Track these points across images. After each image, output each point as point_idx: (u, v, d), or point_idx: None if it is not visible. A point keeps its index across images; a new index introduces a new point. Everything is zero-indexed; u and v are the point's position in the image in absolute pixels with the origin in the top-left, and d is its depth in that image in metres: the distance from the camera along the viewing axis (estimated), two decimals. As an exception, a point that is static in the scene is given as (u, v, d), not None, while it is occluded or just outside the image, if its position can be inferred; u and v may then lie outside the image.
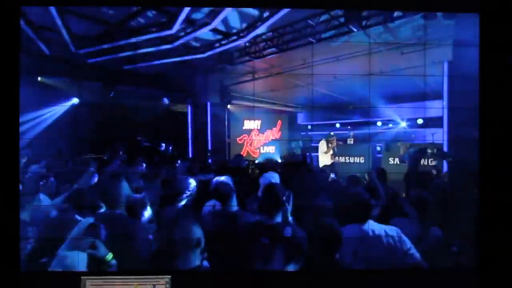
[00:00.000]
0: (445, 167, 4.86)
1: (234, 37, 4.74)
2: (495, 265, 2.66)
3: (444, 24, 4.23)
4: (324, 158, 6.56)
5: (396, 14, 3.88)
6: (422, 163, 5.34)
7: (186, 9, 3.77)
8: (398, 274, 2.62)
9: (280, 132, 10.18)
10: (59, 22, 4.07)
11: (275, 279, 2.48)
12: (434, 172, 4.28)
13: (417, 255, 2.57)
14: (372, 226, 2.61)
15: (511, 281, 2.68)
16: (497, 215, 2.72)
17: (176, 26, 4.12)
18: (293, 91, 8.61)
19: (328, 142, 6.64)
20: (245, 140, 9.60)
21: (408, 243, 2.57)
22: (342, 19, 4.14)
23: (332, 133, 7.19)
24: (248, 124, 9.62)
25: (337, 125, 10.00)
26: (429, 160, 5.83)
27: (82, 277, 2.35)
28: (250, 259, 2.34)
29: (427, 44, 4.72)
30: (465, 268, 2.81)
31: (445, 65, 4.53)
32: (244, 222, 2.75)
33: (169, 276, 2.44)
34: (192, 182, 3.27)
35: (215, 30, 4.72)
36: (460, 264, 2.84)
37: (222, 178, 3.11)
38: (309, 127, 10.82)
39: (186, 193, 3.21)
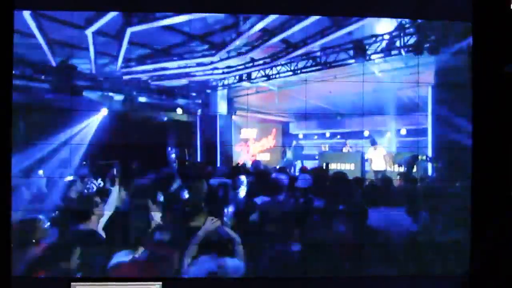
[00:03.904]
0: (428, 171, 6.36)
1: (259, 63, 6.10)
2: (485, 271, 2.86)
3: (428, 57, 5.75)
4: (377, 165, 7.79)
5: (393, 52, 5.37)
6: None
7: (235, 42, 5.08)
8: (394, 279, 3.47)
9: (274, 141, 11.50)
10: (121, 48, 5.27)
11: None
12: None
13: (415, 228, 4.02)
14: (386, 209, 4.02)
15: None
16: (488, 217, 2.94)
17: (220, 55, 5.42)
18: (289, 103, 10.01)
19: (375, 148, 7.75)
20: (242, 148, 10.86)
21: (410, 220, 4.01)
22: (351, 52, 5.61)
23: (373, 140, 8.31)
24: (245, 133, 10.87)
25: (327, 134, 11.46)
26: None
27: (72, 283, 2.57)
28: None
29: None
30: (456, 274, 3.30)
31: (430, 89, 6.07)
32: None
33: (160, 283, 2.65)
34: (244, 180, 4.61)
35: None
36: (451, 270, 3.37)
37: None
38: (300, 135, 12.20)
39: (240, 188, 4.54)
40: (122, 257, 2.84)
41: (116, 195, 4.12)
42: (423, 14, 3.60)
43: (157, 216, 3.93)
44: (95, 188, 4.25)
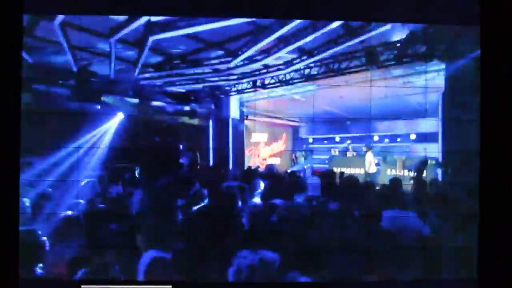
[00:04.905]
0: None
1: (274, 69, 6.32)
2: (494, 276, 2.77)
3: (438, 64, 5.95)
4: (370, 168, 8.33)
5: (405, 59, 5.57)
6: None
7: (252, 49, 5.30)
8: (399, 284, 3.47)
9: (285, 145, 11.73)
10: (144, 56, 5.51)
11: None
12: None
13: (427, 230, 4.19)
14: (398, 211, 4.21)
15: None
16: (496, 222, 2.84)
17: (236, 62, 5.65)
18: (300, 107, 10.26)
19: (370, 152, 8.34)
20: (252, 152, 11.10)
21: (420, 222, 4.19)
22: (363, 59, 5.82)
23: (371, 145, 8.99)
24: (256, 137, 11.11)
25: (337, 139, 11.66)
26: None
27: (82, 286, 2.55)
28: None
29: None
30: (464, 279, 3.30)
31: (440, 95, 6.26)
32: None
33: (169, 286, 2.66)
34: (261, 183, 4.80)
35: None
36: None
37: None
38: (310, 140, 12.42)
39: (257, 190, 4.74)
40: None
41: (138, 197, 4.34)
42: (430, 18, 3.68)
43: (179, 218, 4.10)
44: (115, 191, 4.46)
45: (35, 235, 3.00)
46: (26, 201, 3.72)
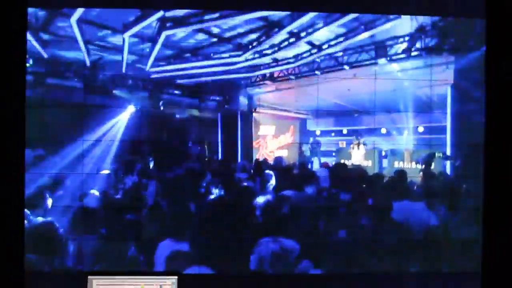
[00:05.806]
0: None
1: (283, 62, 6.41)
2: (497, 270, 2.71)
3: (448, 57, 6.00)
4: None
5: (415, 53, 5.63)
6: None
7: (262, 44, 5.38)
8: (405, 278, 3.61)
9: (292, 137, 11.79)
10: (156, 50, 5.60)
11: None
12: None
13: (434, 222, 4.28)
14: (408, 203, 4.30)
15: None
16: (500, 218, 2.78)
17: (246, 56, 5.73)
18: (307, 100, 10.32)
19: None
20: (260, 144, 11.19)
21: (429, 212, 4.29)
22: (373, 53, 5.88)
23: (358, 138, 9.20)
24: (264, 130, 11.18)
25: (344, 131, 11.72)
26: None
27: (89, 276, 2.52)
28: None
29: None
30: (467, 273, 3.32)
31: (449, 88, 6.30)
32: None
33: (176, 277, 2.62)
34: (273, 175, 4.91)
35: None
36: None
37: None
38: (318, 132, 12.47)
39: (269, 182, 4.85)
40: (169, 246, 3.11)
41: (153, 188, 4.46)
42: (436, 10, 3.70)
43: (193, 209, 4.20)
44: (130, 181, 4.59)
45: (53, 227, 3.11)
46: (46, 194, 3.83)
